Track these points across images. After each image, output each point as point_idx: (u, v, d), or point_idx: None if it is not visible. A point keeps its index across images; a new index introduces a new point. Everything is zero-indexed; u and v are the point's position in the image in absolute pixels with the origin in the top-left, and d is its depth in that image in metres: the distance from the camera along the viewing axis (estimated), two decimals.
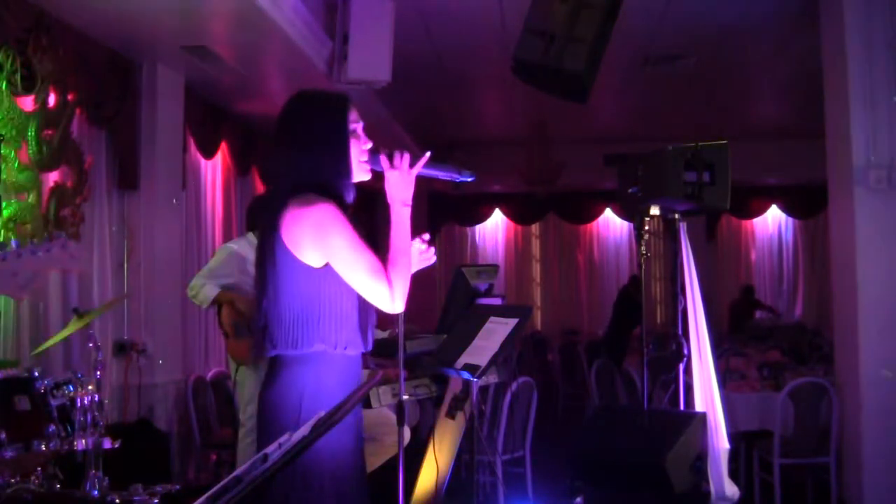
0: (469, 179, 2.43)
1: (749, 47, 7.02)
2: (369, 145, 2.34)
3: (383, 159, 2.30)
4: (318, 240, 2.17)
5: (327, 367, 2.22)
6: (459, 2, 5.99)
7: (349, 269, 2.18)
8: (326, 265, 2.20)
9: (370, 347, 2.31)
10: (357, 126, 2.33)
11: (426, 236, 2.54)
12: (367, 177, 2.35)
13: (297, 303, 2.21)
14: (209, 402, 5.82)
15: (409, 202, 2.29)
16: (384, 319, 2.81)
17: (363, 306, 2.25)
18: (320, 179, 2.25)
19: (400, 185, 2.28)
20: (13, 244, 1.59)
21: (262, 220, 2.35)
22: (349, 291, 2.22)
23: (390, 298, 2.19)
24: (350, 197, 2.32)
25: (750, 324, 10.92)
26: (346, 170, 2.29)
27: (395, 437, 2.97)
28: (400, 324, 2.87)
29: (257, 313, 2.28)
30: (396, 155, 2.29)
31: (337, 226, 2.17)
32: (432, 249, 2.56)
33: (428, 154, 2.32)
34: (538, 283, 12.97)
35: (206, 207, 6.87)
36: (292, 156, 2.29)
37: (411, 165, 2.29)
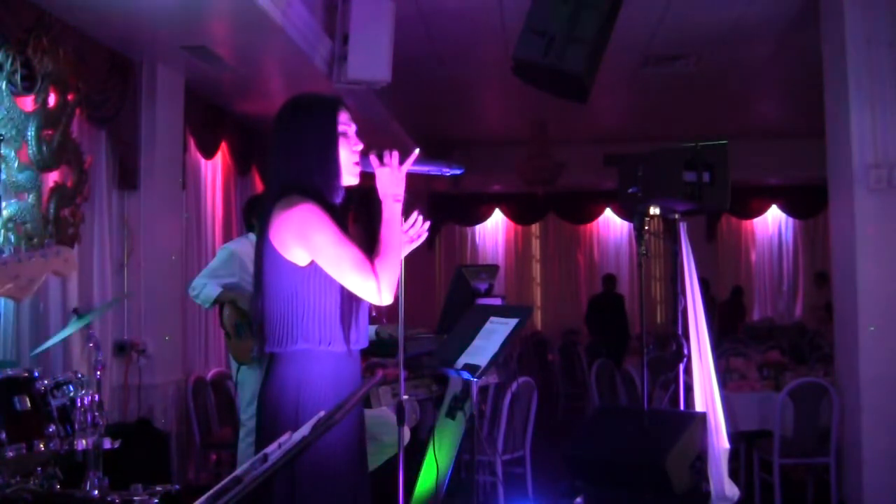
0: (458, 172, 2.49)
1: (749, 47, 7.02)
2: (360, 147, 2.37)
3: (373, 158, 2.34)
4: (301, 239, 2.21)
5: (316, 364, 2.25)
6: (459, 2, 5.99)
7: (334, 264, 2.22)
8: (311, 264, 2.24)
9: (357, 346, 2.33)
10: (348, 128, 2.37)
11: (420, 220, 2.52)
12: (355, 181, 2.39)
13: (282, 301, 2.26)
14: (209, 402, 5.82)
15: (401, 197, 2.33)
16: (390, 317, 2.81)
17: (346, 305, 2.28)
18: (308, 181, 2.29)
19: (390, 181, 2.33)
20: (10, 249, 1.65)
21: (258, 221, 2.39)
22: (331, 290, 2.26)
23: (377, 291, 2.24)
24: (338, 198, 2.35)
25: (746, 325, 10.95)
26: (334, 172, 2.32)
27: (394, 437, 2.97)
28: (400, 324, 2.87)
29: (253, 312, 2.36)
30: (386, 153, 2.33)
31: (319, 224, 2.21)
32: (421, 223, 2.51)
33: (417, 151, 2.37)
34: (538, 283, 12.97)
35: (206, 207, 6.87)
36: (282, 159, 2.34)
37: (401, 162, 2.33)
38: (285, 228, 2.22)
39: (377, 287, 2.23)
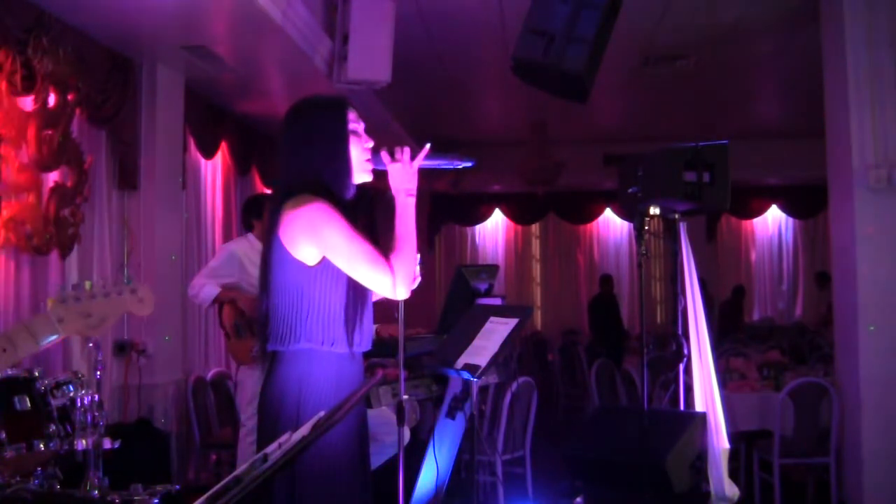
0: (469, 165, 2.51)
1: (749, 47, 7.02)
2: (371, 144, 2.39)
3: (384, 155, 2.36)
4: (312, 237, 2.22)
5: (318, 364, 2.26)
6: (459, 2, 5.99)
7: (347, 260, 2.23)
8: (320, 263, 2.25)
9: (361, 348, 2.33)
10: (357, 126, 2.39)
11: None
12: (368, 178, 2.41)
13: (287, 300, 2.26)
14: (209, 402, 5.82)
15: (414, 192, 2.36)
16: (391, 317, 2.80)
17: (352, 306, 2.28)
18: (318, 180, 2.30)
19: (403, 176, 2.35)
20: (85, 286, 1.60)
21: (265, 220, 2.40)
22: (338, 291, 2.26)
23: (392, 285, 2.25)
24: (348, 195, 2.35)
25: (747, 324, 10.93)
26: (345, 169, 2.33)
27: (395, 437, 2.98)
28: (400, 324, 2.87)
29: (258, 311, 2.36)
30: (397, 150, 2.37)
31: (330, 221, 2.21)
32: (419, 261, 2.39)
33: (428, 146, 2.40)
34: (538, 283, 12.96)
35: (206, 207, 6.87)
36: (291, 158, 2.35)
37: (412, 158, 2.36)
38: (296, 226, 2.22)
39: (392, 281, 2.24)
